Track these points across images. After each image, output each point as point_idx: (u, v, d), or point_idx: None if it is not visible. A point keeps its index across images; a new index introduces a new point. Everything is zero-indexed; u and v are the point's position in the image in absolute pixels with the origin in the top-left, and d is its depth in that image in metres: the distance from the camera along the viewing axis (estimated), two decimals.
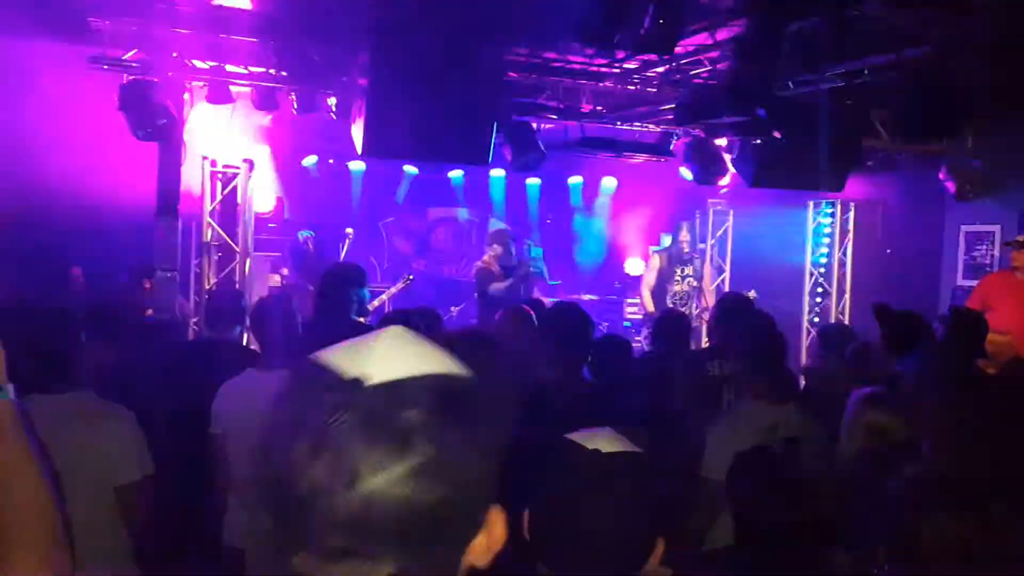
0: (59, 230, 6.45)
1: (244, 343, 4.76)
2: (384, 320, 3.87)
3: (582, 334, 3.53)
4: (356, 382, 0.75)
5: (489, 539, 0.81)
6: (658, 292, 7.93)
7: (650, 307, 7.84)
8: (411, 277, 8.37)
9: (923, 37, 4.93)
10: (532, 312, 4.22)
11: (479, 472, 0.77)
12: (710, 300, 8.10)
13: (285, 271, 8.82)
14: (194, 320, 7.02)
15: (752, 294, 7.04)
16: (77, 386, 2.70)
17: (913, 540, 1.82)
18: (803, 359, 9.74)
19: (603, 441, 1.32)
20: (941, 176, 8.72)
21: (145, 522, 2.71)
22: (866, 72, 5.50)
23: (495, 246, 7.82)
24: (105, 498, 2.61)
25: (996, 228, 8.56)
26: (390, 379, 0.75)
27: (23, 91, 6.37)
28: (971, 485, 1.88)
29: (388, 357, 0.77)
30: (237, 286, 7.34)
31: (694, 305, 8.03)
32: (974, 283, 7.65)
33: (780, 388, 3.27)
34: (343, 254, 9.05)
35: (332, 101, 6.88)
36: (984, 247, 8.72)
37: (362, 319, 4.38)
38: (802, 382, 4.74)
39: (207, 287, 7.30)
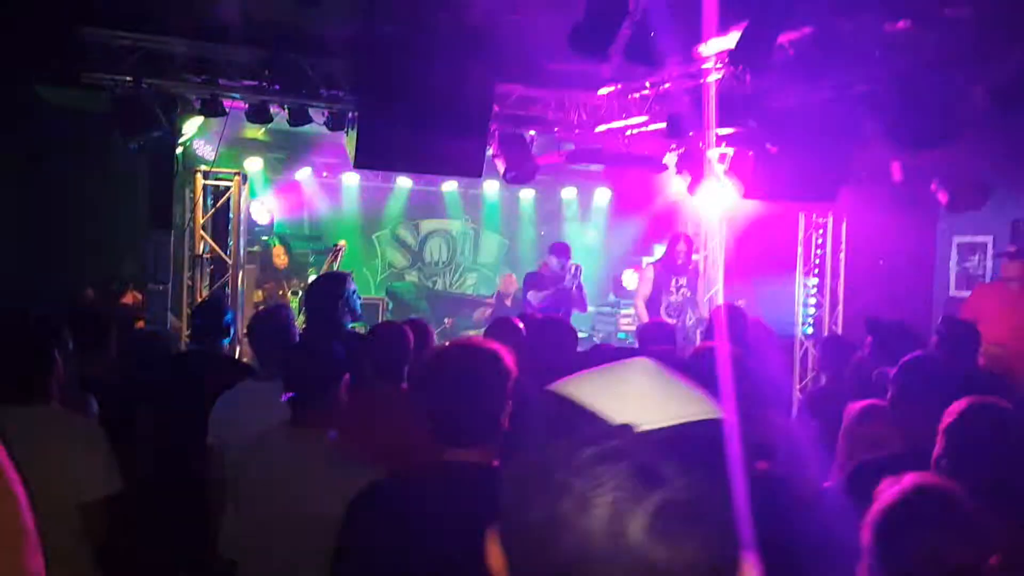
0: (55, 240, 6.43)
1: (236, 355, 4.74)
2: (374, 331, 3.85)
3: (565, 346, 3.53)
4: (624, 430, 0.69)
5: None
6: (652, 303, 7.93)
7: (644, 318, 7.83)
8: (338, 245, 8.54)
9: (915, 47, 4.95)
10: (521, 325, 4.21)
11: (733, 518, 0.71)
12: (703, 311, 8.11)
13: (263, 290, 8.82)
14: (187, 333, 6.99)
15: (742, 303, 7.05)
16: (50, 399, 2.66)
17: (895, 555, 1.80)
18: (796, 369, 9.75)
19: None
20: (933, 187, 8.76)
21: (110, 540, 2.64)
22: (858, 82, 5.52)
23: (554, 258, 7.95)
24: (71, 515, 2.54)
25: (988, 239, 8.59)
26: (654, 427, 0.70)
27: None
28: (957, 498, 1.86)
29: (647, 398, 0.73)
30: (229, 299, 7.31)
31: (689, 316, 8.03)
32: (967, 294, 7.69)
33: (750, 393, 3.25)
34: (336, 266, 9.04)
35: (325, 113, 6.88)
36: (976, 258, 8.75)
37: (357, 326, 4.35)
38: (797, 395, 4.74)
39: (199, 299, 7.27)
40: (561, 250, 8.02)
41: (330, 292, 4.27)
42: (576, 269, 7.77)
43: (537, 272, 8.16)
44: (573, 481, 0.68)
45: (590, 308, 10.48)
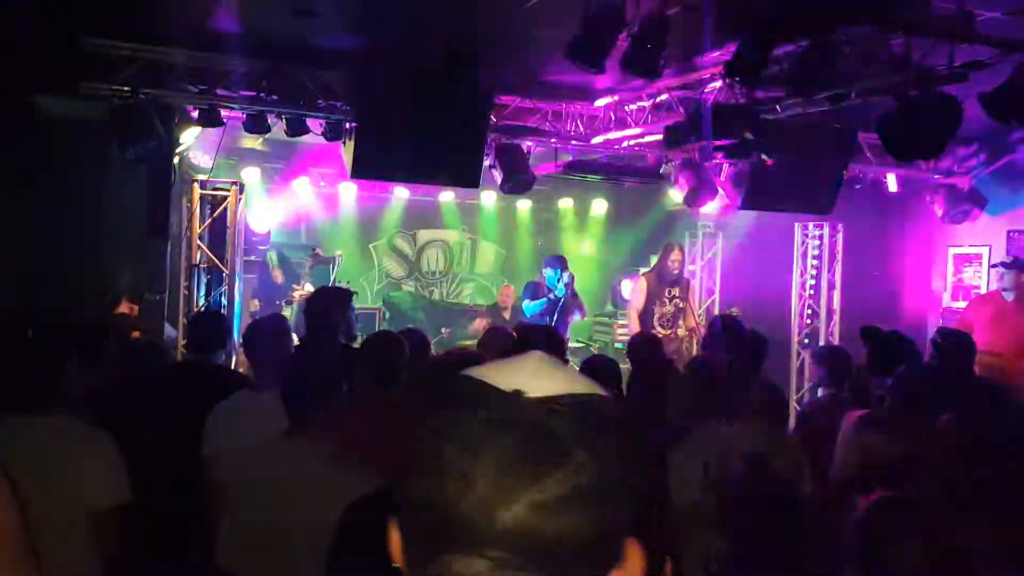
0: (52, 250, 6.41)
1: (232, 365, 4.73)
2: (370, 340, 3.85)
3: (551, 351, 3.54)
4: (516, 395, 0.73)
5: (625, 573, 0.77)
6: (646, 314, 7.95)
7: (637, 329, 7.85)
8: (314, 251, 8.89)
9: (909, 59, 4.98)
10: (514, 333, 4.24)
11: (629, 497, 0.75)
12: (693, 322, 8.16)
13: (257, 300, 8.86)
14: (183, 343, 6.98)
15: (735, 311, 7.06)
16: (60, 408, 2.66)
17: (881, 564, 1.80)
18: (792, 380, 9.75)
19: None
20: (928, 198, 8.80)
21: (120, 549, 2.65)
22: (853, 95, 5.55)
23: (547, 268, 8.12)
24: (80, 523, 2.55)
25: (984, 250, 8.61)
26: (547, 394, 0.74)
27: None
28: (945, 509, 1.86)
29: (540, 374, 0.77)
30: (225, 309, 7.30)
31: (681, 326, 8.06)
32: (963, 304, 7.70)
33: (739, 406, 3.26)
34: (333, 277, 9.05)
35: (322, 123, 6.90)
36: (972, 268, 8.77)
37: (350, 342, 4.36)
38: (794, 406, 4.75)
39: (196, 309, 7.27)
40: (554, 262, 8.17)
41: (333, 305, 4.28)
42: (569, 278, 7.88)
43: (535, 283, 8.34)
44: (460, 453, 0.71)
45: (587, 318, 10.51)
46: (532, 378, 0.76)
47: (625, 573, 0.76)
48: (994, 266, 7.19)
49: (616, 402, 0.79)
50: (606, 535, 0.73)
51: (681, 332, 8.04)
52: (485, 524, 0.69)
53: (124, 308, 6.34)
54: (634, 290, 8.24)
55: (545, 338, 4.16)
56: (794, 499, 2.84)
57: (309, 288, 8.06)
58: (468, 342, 8.63)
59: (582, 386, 0.77)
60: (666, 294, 7.97)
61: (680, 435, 3.23)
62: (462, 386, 0.77)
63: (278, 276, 9.10)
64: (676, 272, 8.02)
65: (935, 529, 1.78)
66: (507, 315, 9.22)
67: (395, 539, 0.78)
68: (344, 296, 4.43)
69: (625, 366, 5.07)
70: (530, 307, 7.95)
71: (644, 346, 4.78)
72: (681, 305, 8.05)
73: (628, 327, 8.46)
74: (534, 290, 8.14)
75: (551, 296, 7.82)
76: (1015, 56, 4.84)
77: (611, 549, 0.75)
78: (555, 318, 7.65)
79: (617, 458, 0.74)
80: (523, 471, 0.69)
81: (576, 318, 8.23)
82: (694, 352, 8.02)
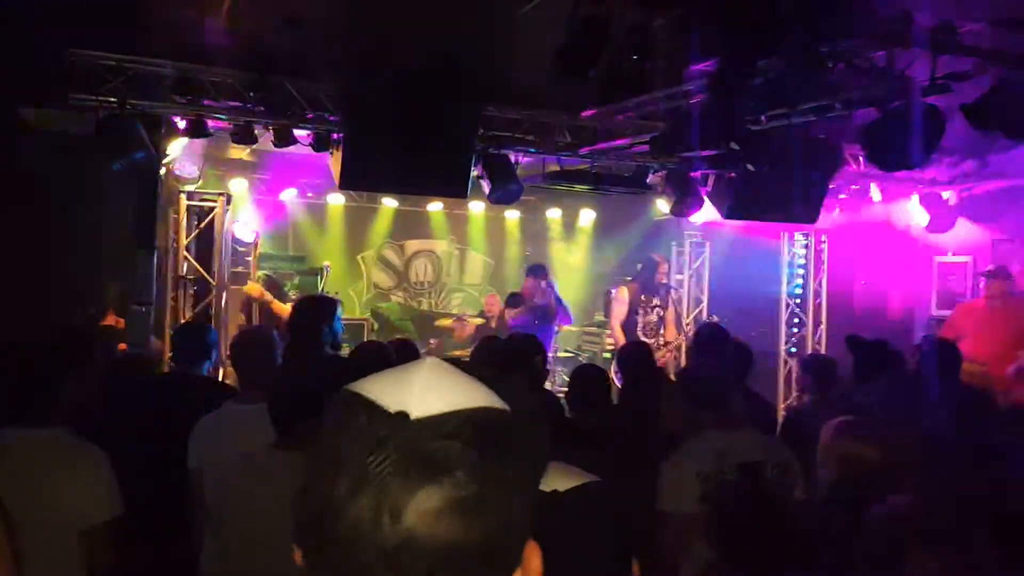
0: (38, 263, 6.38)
1: (220, 377, 4.71)
2: (358, 350, 3.85)
3: (525, 358, 3.61)
4: (399, 417, 0.74)
5: (525, 574, 0.79)
6: (629, 324, 7.99)
7: (621, 339, 7.87)
8: (325, 265, 9.01)
9: (893, 71, 5.03)
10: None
11: (519, 507, 0.76)
12: (674, 330, 8.22)
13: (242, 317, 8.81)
14: (170, 355, 6.94)
15: (714, 318, 7.11)
16: (54, 422, 2.66)
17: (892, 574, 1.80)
18: (780, 388, 9.79)
19: (557, 479, 1.28)
20: (914, 207, 8.87)
21: (110, 564, 2.64)
22: (837, 106, 5.60)
23: (530, 278, 8.25)
24: (72, 538, 2.55)
25: (969, 259, 8.68)
26: (431, 413, 0.74)
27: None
28: (953, 518, 1.87)
29: (428, 389, 0.76)
30: (212, 321, 7.28)
31: (661, 335, 8.12)
32: (948, 313, 7.74)
33: (731, 415, 3.28)
34: (321, 287, 9.04)
35: (310, 134, 6.90)
36: (957, 277, 8.83)
37: (336, 352, 4.36)
38: (781, 414, 4.77)
39: (183, 321, 7.24)
40: (535, 270, 8.34)
41: (317, 314, 4.27)
42: (548, 286, 8.01)
43: (517, 293, 8.47)
44: (347, 467, 0.73)
45: (575, 328, 10.53)
46: (420, 394, 0.76)
47: (524, 573, 0.78)
48: (979, 274, 7.25)
49: (512, 415, 0.79)
50: (495, 548, 0.74)
51: (661, 341, 8.09)
52: (369, 542, 0.71)
53: (110, 320, 6.31)
54: (615, 300, 8.27)
55: (528, 349, 4.16)
56: (790, 507, 2.85)
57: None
58: (459, 352, 8.63)
59: (474, 399, 0.77)
60: (648, 303, 8.03)
61: (674, 445, 3.24)
62: (349, 403, 0.78)
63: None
64: (661, 281, 8.10)
65: (950, 538, 1.78)
66: (494, 323, 9.21)
67: (296, 551, 0.79)
68: (328, 303, 4.42)
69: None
70: (511, 315, 8.11)
71: (635, 355, 4.76)
72: (663, 314, 8.11)
73: (612, 338, 8.51)
74: (514, 299, 8.22)
75: (530, 304, 7.87)
76: (996, 67, 4.90)
77: (505, 557, 0.76)
78: (540, 326, 7.69)
79: (500, 472, 0.74)
80: (403, 494, 0.71)
81: (561, 326, 8.32)
82: (680, 360, 8.07)
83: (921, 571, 1.75)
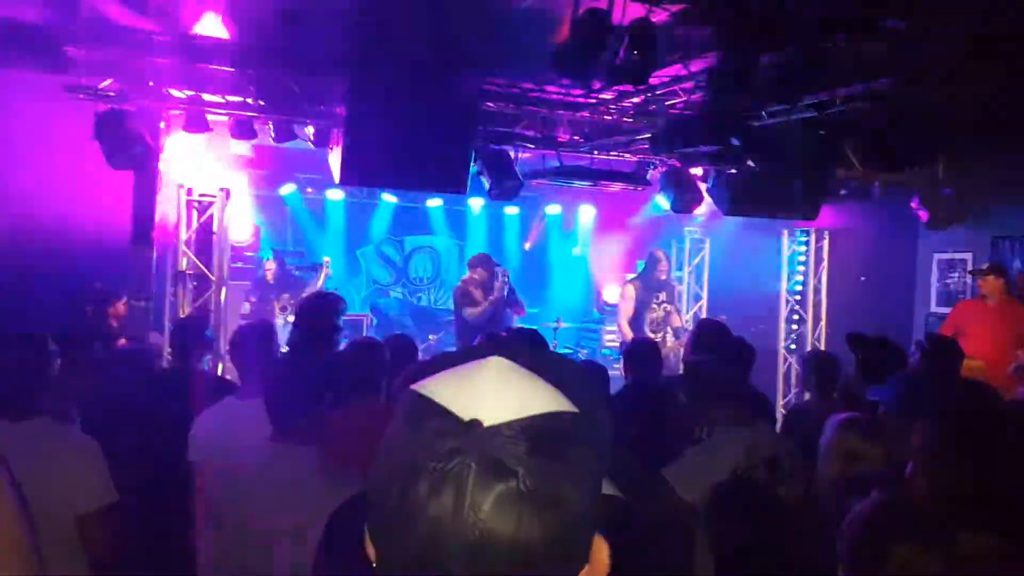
0: (34, 257, 6.37)
1: (220, 371, 4.71)
2: (353, 345, 3.84)
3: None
4: (472, 426, 0.76)
5: (593, 570, 0.82)
6: (636, 320, 7.97)
7: (628, 336, 7.86)
8: (326, 261, 8.87)
9: (893, 67, 5.02)
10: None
11: (585, 505, 0.79)
12: (684, 325, 8.20)
13: (248, 303, 8.81)
14: (168, 350, 6.94)
15: (723, 319, 7.07)
16: (42, 413, 2.67)
17: (875, 568, 1.79)
18: (779, 385, 9.79)
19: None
20: (913, 204, 8.84)
21: (107, 552, 2.67)
22: (838, 102, 5.58)
23: (479, 269, 7.56)
24: (67, 527, 2.56)
25: (968, 255, 8.66)
26: (503, 421, 0.77)
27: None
28: (940, 514, 1.86)
29: (498, 395, 0.79)
30: (212, 315, 7.27)
31: (669, 330, 8.10)
32: (947, 310, 7.73)
33: (749, 408, 3.27)
34: (320, 283, 9.02)
35: (310, 130, 6.88)
36: (957, 274, 8.82)
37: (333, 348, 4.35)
38: (780, 411, 4.76)
39: (182, 316, 7.23)
40: (483, 260, 7.65)
41: (325, 311, 4.27)
42: (504, 275, 7.40)
43: (463, 288, 7.54)
44: (424, 470, 0.76)
45: (573, 325, 10.53)
46: (492, 401, 0.78)
47: (592, 569, 0.82)
48: (970, 273, 7.24)
49: (576, 417, 0.81)
50: (564, 546, 0.77)
51: (669, 337, 8.07)
52: (451, 536, 0.74)
53: (110, 315, 6.30)
54: (622, 297, 8.25)
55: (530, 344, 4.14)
56: (801, 502, 2.84)
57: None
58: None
59: (539, 404, 0.79)
60: (654, 299, 8.01)
61: (683, 443, 3.23)
62: (419, 408, 0.80)
63: (269, 275, 9.00)
64: (663, 278, 8.08)
65: (936, 531, 1.78)
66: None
67: (371, 548, 0.82)
68: (335, 300, 4.43)
69: (614, 372, 5.09)
70: (472, 314, 7.32)
71: (642, 351, 4.74)
72: (669, 308, 8.10)
73: (619, 334, 8.47)
74: (466, 296, 7.47)
75: (491, 298, 7.33)
76: None
77: (573, 554, 0.80)
78: (494, 317, 7.29)
79: (567, 470, 0.77)
80: (478, 497, 0.74)
81: (516, 317, 7.71)
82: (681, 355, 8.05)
83: (903, 564, 1.74)
